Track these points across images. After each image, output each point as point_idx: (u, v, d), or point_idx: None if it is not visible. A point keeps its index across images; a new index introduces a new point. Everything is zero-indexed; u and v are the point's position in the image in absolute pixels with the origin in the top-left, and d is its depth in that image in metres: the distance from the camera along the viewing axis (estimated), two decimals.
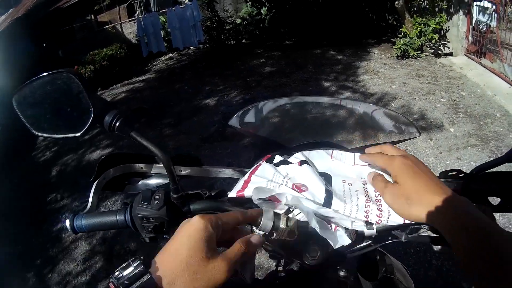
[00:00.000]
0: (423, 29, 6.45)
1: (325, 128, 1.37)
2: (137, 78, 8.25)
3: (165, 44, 9.56)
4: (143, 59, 9.41)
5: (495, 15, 5.45)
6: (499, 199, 0.91)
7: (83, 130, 0.74)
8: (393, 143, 1.18)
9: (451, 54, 6.67)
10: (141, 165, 1.05)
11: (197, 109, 5.92)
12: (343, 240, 0.78)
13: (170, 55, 9.89)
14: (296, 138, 1.20)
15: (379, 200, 0.81)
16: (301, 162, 0.92)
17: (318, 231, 0.76)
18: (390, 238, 0.95)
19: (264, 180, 0.85)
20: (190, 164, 1.06)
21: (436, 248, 2.72)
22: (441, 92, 5.17)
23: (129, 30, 11.26)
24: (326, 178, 0.88)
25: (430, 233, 0.87)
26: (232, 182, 0.90)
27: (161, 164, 1.04)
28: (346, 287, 0.86)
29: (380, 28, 9.10)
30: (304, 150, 1.00)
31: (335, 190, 0.85)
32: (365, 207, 0.80)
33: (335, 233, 0.79)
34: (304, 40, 9.32)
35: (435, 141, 3.96)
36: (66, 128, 0.79)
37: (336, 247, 0.77)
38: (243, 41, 10.02)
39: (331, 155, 0.97)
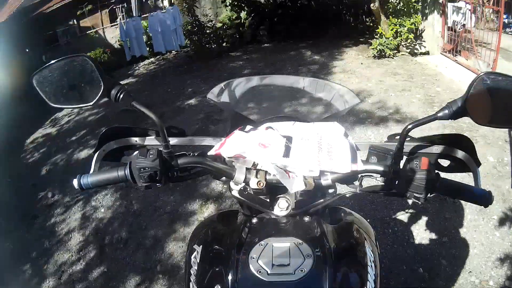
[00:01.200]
0: (398, 30, 6.66)
1: (289, 104, 1.59)
2: (120, 82, 8.19)
3: (147, 49, 9.59)
4: (126, 63, 9.45)
5: (470, 14, 5.66)
6: (448, 161, 1.13)
7: (94, 100, 0.97)
8: (342, 112, 1.39)
9: (427, 53, 6.88)
10: (136, 139, 1.23)
11: (180, 109, 6.03)
12: (298, 185, 0.96)
13: (152, 59, 9.93)
14: (264, 114, 1.41)
15: (331, 151, 1.01)
16: (267, 128, 1.11)
17: (278, 177, 0.95)
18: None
19: (236, 142, 1.04)
20: (177, 135, 1.25)
21: (415, 229, 2.86)
22: (417, 88, 5.34)
23: (111, 35, 11.27)
24: (288, 138, 1.06)
25: (379, 184, 1.06)
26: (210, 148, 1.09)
27: (152, 137, 1.23)
28: (308, 229, 1.03)
29: (357, 30, 9.33)
30: (272, 121, 1.20)
31: (294, 145, 1.03)
32: (318, 156, 0.99)
33: (292, 179, 0.97)
34: (283, 43, 9.47)
35: (411, 133, 4.03)
36: (79, 100, 1.00)
37: (291, 192, 0.98)
38: (224, 44, 10.12)
39: (293, 124, 1.18)
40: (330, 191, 1.07)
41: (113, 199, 3.81)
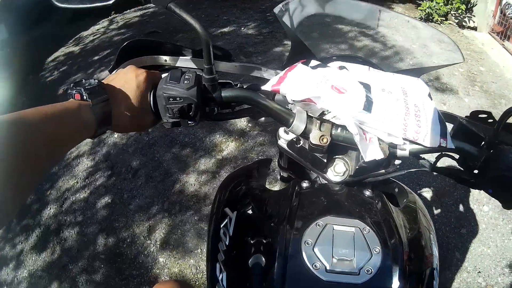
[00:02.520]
0: None
1: (365, 42, 1.28)
2: (151, 4, 7.92)
3: None
4: None
5: None
6: None
7: None
8: (432, 68, 1.12)
9: (475, 28, 6.51)
10: (166, 57, 0.99)
11: (212, 37, 5.67)
12: (376, 153, 0.74)
13: None
14: (331, 50, 1.14)
15: (418, 116, 0.78)
16: (341, 68, 0.87)
17: (355, 138, 0.73)
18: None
19: (300, 77, 0.80)
20: (220, 58, 1.00)
21: (436, 211, 2.76)
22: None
23: None
24: (366, 86, 0.82)
25: (457, 167, 0.86)
26: (264, 83, 0.85)
27: (188, 57, 0.98)
28: (372, 210, 0.82)
29: None
30: (341, 61, 0.95)
31: (375, 98, 0.79)
32: (404, 120, 0.76)
33: (369, 144, 0.75)
34: None
35: (448, 106, 3.91)
36: None
37: (367, 159, 0.74)
38: None
39: (369, 69, 0.92)
40: (396, 162, 0.84)
41: None
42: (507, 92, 4.32)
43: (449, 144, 0.77)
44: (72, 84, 0.67)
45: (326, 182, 0.87)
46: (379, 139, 0.76)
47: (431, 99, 0.87)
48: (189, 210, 2.72)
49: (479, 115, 0.91)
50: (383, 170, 0.83)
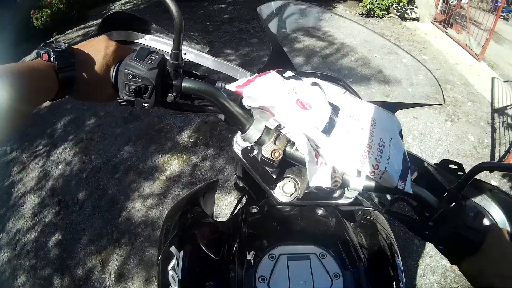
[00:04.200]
0: None
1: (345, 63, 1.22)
2: (93, 22, 7.86)
3: None
4: (102, 1, 8.99)
5: None
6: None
7: None
8: (411, 105, 1.09)
9: (417, 19, 6.69)
10: (146, 37, 0.98)
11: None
12: (323, 180, 0.70)
13: None
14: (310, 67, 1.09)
15: (381, 151, 0.71)
16: (313, 84, 0.82)
17: (304, 158, 0.68)
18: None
19: (268, 84, 0.76)
20: (195, 48, 0.97)
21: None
22: (403, 52, 5.09)
23: None
24: (334, 108, 0.77)
25: (412, 214, 0.81)
26: (233, 81, 0.81)
27: (165, 40, 0.96)
28: (327, 230, 0.79)
29: None
30: (318, 78, 0.90)
31: (339, 122, 0.75)
32: (364, 152, 0.70)
33: (318, 168, 0.70)
34: None
35: (392, 98, 3.85)
36: None
37: (311, 184, 0.70)
38: None
39: (344, 92, 0.87)
40: (351, 194, 0.80)
41: (72, 153, 3.62)
42: (452, 77, 4.44)
43: (407, 188, 0.71)
44: (42, 44, 0.67)
45: (274, 202, 0.82)
46: (333, 168, 0.71)
47: (401, 138, 0.82)
48: (138, 237, 2.66)
49: (449, 165, 0.85)
50: (337, 201, 0.80)
